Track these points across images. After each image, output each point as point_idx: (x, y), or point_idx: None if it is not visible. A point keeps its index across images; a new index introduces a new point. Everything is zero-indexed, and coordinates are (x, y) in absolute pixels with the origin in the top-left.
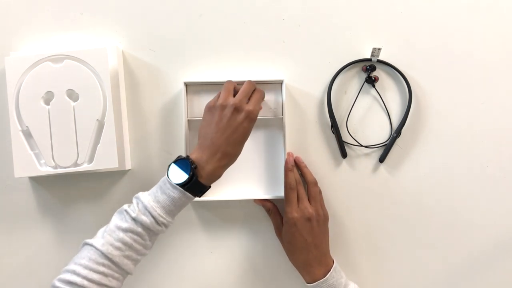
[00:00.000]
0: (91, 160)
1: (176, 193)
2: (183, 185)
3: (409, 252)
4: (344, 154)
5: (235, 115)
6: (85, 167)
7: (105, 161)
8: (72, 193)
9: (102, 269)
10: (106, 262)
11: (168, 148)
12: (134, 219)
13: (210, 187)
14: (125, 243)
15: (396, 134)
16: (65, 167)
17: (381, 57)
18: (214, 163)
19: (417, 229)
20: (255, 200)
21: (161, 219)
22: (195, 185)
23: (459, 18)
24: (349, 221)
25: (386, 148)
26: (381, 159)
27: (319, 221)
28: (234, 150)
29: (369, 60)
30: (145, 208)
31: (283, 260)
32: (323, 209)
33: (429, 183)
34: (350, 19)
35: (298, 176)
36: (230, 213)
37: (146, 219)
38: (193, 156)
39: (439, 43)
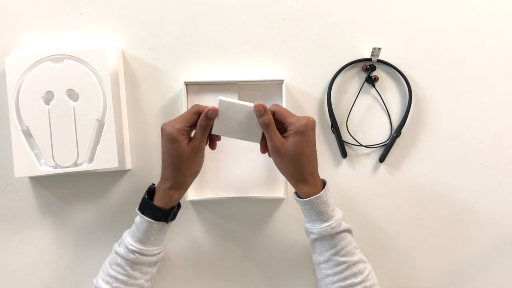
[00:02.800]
0: (91, 160)
1: (138, 220)
2: (141, 209)
3: (409, 252)
4: (344, 154)
5: (161, 140)
6: (85, 167)
7: (105, 161)
8: (72, 193)
9: None
10: None
11: None
12: (114, 251)
13: (171, 211)
14: (111, 276)
15: (396, 134)
16: (65, 167)
17: (381, 57)
18: (162, 186)
19: (417, 229)
20: (257, 104)
21: (130, 246)
22: (149, 208)
23: (459, 18)
24: (349, 221)
25: (386, 148)
26: (381, 159)
27: (314, 128)
28: (170, 173)
29: (369, 60)
30: (122, 239)
31: (283, 260)
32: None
33: (429, 183)
34: (350, 19)
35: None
36: (230, 213)
37: (120, 249)
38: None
39: (439, 43)
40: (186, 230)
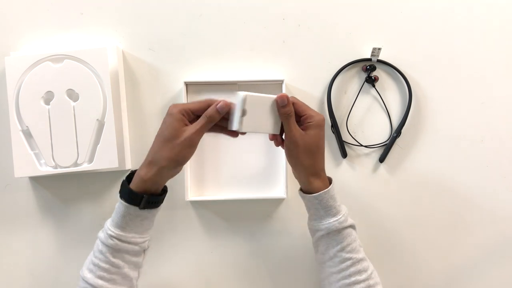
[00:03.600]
0: (91, 160)
1: (116, 205)
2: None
3: (409, 252)
4: (344, 154)
5: (164, 118)
6: (85, 167)
7: (105, 161)
8: (72, 193)
9: None
10: (85, 285)
11: None
12: (98, 238)
13: (143, 197)
14: (94, 264)
15: (396, 134)
16: (65, 167)
17: (381, 57)
18: (141, 168)
19: (417, 229)
20: (281, 95)
21: (109, 231)
22: (125, 192)
23: (459, 18)
24: None
25: (386, 148)
26: (381, 159)
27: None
28: (154, 150)
29: (369, 60)
30: (104, 227)
31: (283, 259)
32: None
33: (429, 183)
34: (350, 19)
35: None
36: (230, 213)
37: (101, 234)
38: None
39: (439, 43)
40: (186, 230)
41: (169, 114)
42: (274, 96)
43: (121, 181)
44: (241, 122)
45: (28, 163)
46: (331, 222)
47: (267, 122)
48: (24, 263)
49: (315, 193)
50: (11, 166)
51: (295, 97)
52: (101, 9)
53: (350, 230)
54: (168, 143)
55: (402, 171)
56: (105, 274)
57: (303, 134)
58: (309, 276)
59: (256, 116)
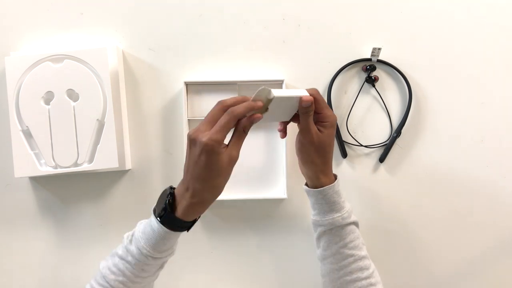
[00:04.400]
0: (91, 160)
1: (155, 226)
2: (160, 218)
3: (409, 252)
4: (344, 154)
5: (193, 149)
6: (85, 167)
7: (105, 161)
8: (72, 193)
9: None
10: (103, 283)
11: (168, 148)
12: (126, 248)
13: (194, 222)
14: (119, 269)
15: (396, 134)
16: (65, 167)
17: (381, 57)
18: (187, 199)
19: (417, 229)
20: (307, 98)
21: (145, 251)
22: (170, 219)
23: (459, 18)
24: None
25: (386, 148)
26: (381, 159)
27: None
28: (202, 187)
29: (369, 60)
30: (134, 237)
31: (283, 259)
32: None
33: (429, 183)
34: (350, 19)
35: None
36: (230, 213)
37: (133, 249)
38: (176, 189)
39: (439, 43)
40: None
41: (213, 153)
42: (299, 95)
43: (121, 181)
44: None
45: (28, 163)
46: (334, 217)
47: (283, 114)
48: (24, 263)
49: (320, 187)
50: (11, 166)
51: (317, 91)
52: (101, 9)
53: (353, 227)
54: (222, 177)
55: (402, 171)
56: (127, 281)
57: (318, 133)
58: (309, 276)
59: (275, 111)
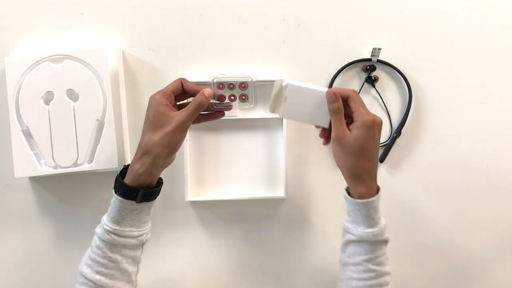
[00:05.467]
0: (91, 160)
1: (111, 200)
2: (114, 187)
3: (409, 252)
4: None
5: (147, 109)
6: (85, 167)
7: (105, 161)
8: (72, 193)
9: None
10: (83, 280)
11: None
12: (95, 232)
13: (141, 190)
14: (92, 259)
15: (396, 134)
16: (65, 167)
17: (381, 57)
18: (137, 161)
19: (417, 229)
20: (329, 91)
21: (105, 227)
22: (119, 185)
23: (459, 18)
24: None
25: (386, 148)
26: (381, 159)
27: (380, 129)
28: (149, 138)
29: (369, 60)
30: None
31: (283, 259)
32: None
33: (429, 183)
34: (350, 19)
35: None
36: (230, 213)
37: (98, 230)
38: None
39: (439, 43)
40: (186, 230)
41: (153, 100)
42: (323, 89)
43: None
44: (279, 107)
45: (28, 163)
46: (365, 232)
47: (312, 113)
48: (24, 263)
49: (357, 198)
50: (11, 166)
51: (356, 92)
52: (101, 9)
53: (382, 244)
54: (159, 130)
55: (402, 171)
56: (103, 269)
57: (347, 133)
58: (309, 276)
59: (299, 105)
